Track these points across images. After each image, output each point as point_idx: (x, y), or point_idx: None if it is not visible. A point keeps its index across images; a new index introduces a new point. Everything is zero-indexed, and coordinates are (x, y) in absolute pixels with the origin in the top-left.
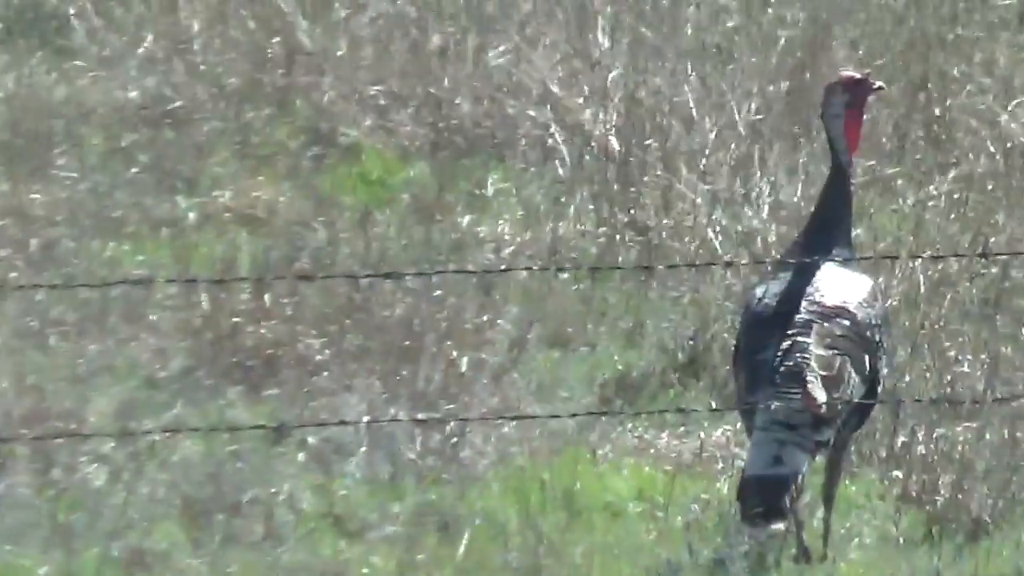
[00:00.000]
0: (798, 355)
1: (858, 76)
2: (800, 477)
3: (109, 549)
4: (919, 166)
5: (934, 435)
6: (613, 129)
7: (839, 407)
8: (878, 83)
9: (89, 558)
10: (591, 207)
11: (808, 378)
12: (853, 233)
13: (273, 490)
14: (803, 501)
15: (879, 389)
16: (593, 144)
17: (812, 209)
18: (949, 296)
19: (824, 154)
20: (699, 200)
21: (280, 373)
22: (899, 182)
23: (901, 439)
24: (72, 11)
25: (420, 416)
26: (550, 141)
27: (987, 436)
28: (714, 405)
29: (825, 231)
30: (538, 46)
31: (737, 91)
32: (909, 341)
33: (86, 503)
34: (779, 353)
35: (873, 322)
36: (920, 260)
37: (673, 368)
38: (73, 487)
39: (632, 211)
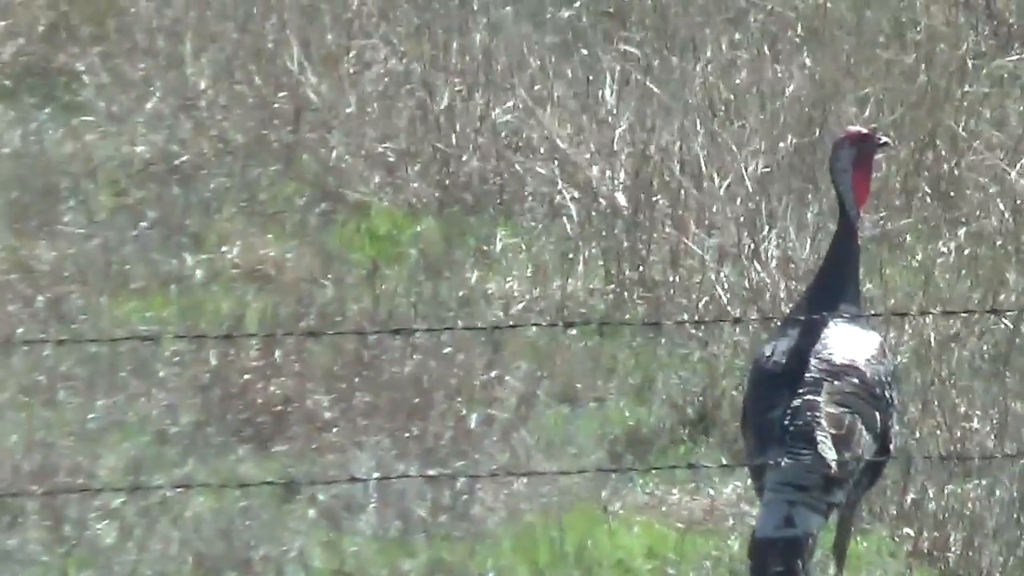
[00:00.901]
0: (808, 414)
1: (865, 131)
2: (811, 539)
3: None
4: (928, 222)
5: (945, 492)
6: (621, 185)
7: (850, 466)
8: (885, 138)
9: None
10: (599, 263)
11: (819, 438)
12: (862, 289)
13: (284, 547)
14: (814, 559)
15: (890, 447)
16: (601, 200)
17: (820, 265)
18: (959, 352)
19: (832, 210)
20: (707, 256)
21: (289, 430)
22: (908, 238)
23: (911, 496)
24: (80, 67)
25: (430, 473)
26: (558, 198)
27: (998, 493)
28: (724, 461)
29: (833, 287)
30: (546, 103)
31: (745, 147)
32: (919, 398)
33: (97, 560)
34: (789, 412)
35: (883, 379)
36: (930, 316)
37: (683, 424)
38: (84, 543)
39: (640, 267)
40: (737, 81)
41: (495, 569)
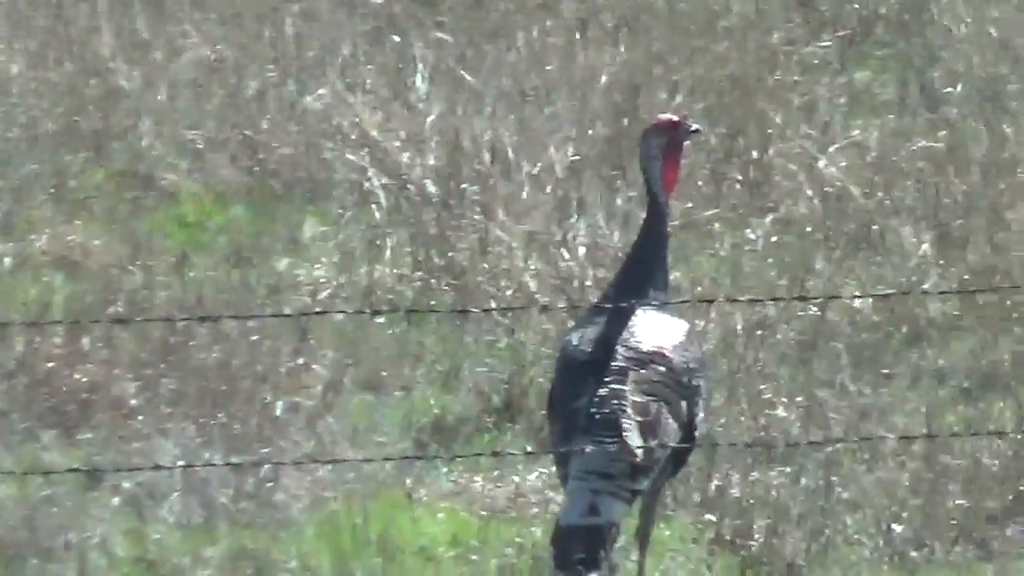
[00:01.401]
0: (614, 402)
1: (675, 119)
2: (615, 527)
3: None
4: (736, 210)
5: (749, 479)
6: (430, 172)
7: (656, 455)
8: (695, 125)
9: None
10: (407, 250)
11: (624, 425)
12: (670, 276)
13: (87, 534)
14: (617, 545)
15: (696, 434)
16: (410, 187)
17: (628, 251)
18: (766, 340)
19: (642, 197)
20: (515, 244)
21: (95, 417)
22: (716, 225)
23: (716, 482)
24: None
25: (234, 460)
26: (367, 185)
27: (802, 480)
28: (529, 449)
29: (641, 274)
30: (356, 90)
31: (555, 134)
32: (725, 385)
33: None
34: (595, 400)
35: (690, 366)
36: (737, 303)
37: (488, 412)
38: None
39: (449, 254)
40: (548, 68)
41: (299, 556)
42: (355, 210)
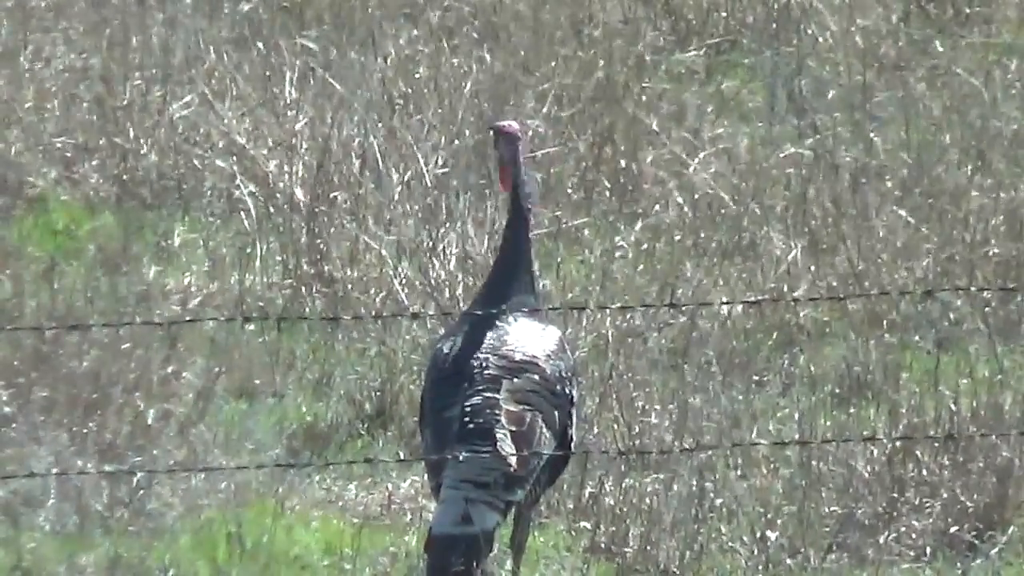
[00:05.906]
0: (488, 412)
1: (516, 124)
2: (489, 536)
3: None
4: (606, 217)
5: (623, 486)
6: (299, 180)
7: (531, 465)
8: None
9: None
10: (278, 258)
11: (499, 435)
12: (540, 283)
13: None
14: (491, 553)
15: (571, 444)
16: (279, 195)
17: (495, 257)
18: (637, 346)
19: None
20: (385, 251)
21: None
22: (586, 233)
23: (589, 490)
24: None
25: (108, 468)
26: (236, 192)
27: (675, 487)
28: (402, 456)
29: (508, 280)
30: (225, 97)
31: (424, 142)
32: (597, 392)
33: None
34: (468, 410)
35: (562, 374)
36: (608, 310)
37: (361, 419)
38: None
39: (319, 262)
40: (416, 75)
41: (173, 564)
42: (225, 218)
